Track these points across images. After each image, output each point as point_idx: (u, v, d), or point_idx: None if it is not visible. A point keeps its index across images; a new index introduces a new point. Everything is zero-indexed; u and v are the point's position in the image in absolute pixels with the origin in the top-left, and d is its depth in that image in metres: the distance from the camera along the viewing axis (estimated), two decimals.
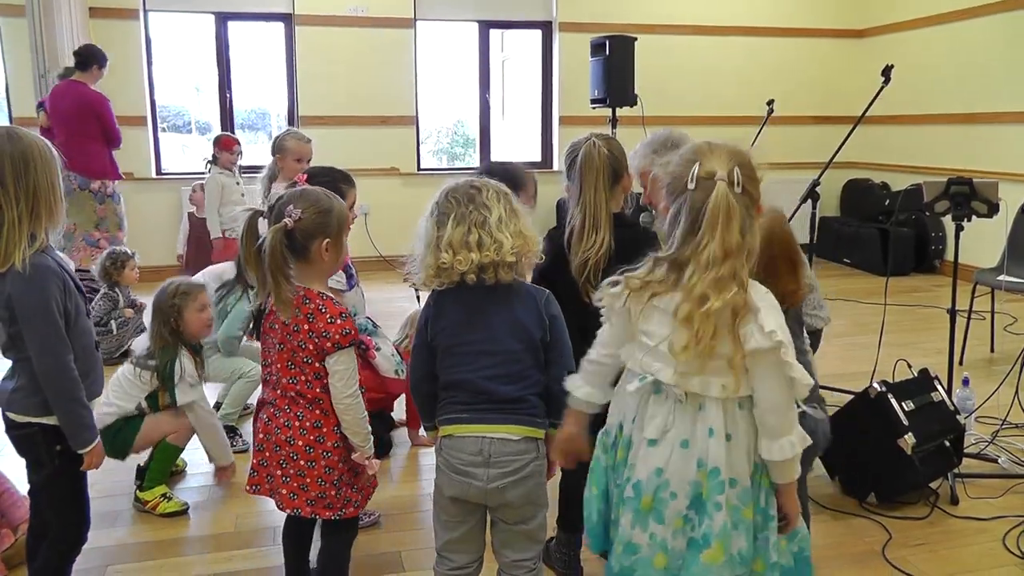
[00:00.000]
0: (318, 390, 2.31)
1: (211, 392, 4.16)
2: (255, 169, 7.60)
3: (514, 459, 2.12)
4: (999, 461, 3.68)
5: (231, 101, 8.45)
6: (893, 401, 3.29)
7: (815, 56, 9.36)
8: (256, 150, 8.55)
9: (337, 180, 3.13)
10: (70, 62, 6.68)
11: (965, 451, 3.54)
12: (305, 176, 2.95)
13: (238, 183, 6.60)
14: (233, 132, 8.28)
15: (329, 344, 2.26)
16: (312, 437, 2.31)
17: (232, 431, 4.03)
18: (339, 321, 2.27)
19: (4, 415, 2.31)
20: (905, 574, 2.86)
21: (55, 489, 2.36)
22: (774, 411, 1.85)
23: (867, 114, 4.53)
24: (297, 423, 2.31)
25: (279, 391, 2.36)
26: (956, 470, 3.44)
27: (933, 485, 3.40)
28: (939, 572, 2.88)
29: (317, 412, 2.32)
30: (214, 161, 6.58)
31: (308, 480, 2.33)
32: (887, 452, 3.25)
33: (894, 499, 3.33)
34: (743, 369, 1.81)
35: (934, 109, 8.26)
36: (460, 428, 2.14)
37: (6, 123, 7.67)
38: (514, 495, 2.13)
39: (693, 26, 8.97)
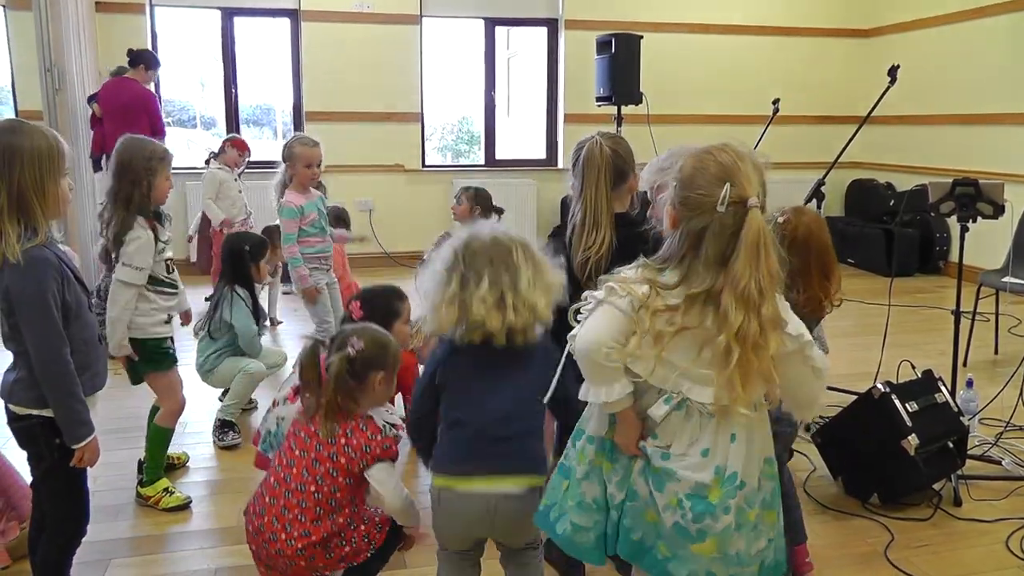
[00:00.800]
0: (328, 503, 2.34)
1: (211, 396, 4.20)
2: (259, 165, 7.65)
3: (521, 510, 2.11)
4: (1003, 463, 3.67)
5: (236, 96, 8.45)
6: (897, 402, 3.29)
7: (821, 55, 9.34)
8: (260, 146, 8.57)
9: (392, 298, 3.18)
10: (76, 57, 6.86)
11: (968, 453, 3.53)
12: (359, 303, 3.07)
13: (236, 180, 6.64)
14: (238, 127, 8.31)
15: (370, 457, 2.31)
16: (299, 545, 2.33)
17: (229, 425, 4.05)
18: (379, 437, 2.33)
19: (6, 407, 2.32)
20: (908, 575, 2.86)
21: (54, 482, 2.36)
22: (810, 404, 1.92)
23: (872, 114, 4.52)
24: (284, 535, 2.33)
25: (269, 498, 2.38)
26: (959, 472, 3.43)
27: (936, 486, 3.40)
28: (942, 574, 2.87)
29: (307, 522, 2.33)
30: (218, 154, 6.61)
31: (320, 564, 2.38)
32: (890, 453, 3.25)
33: (897, 500, 3.33)
34: (773, 376, 1.80)
35: (940, 109, 8.24)
36: (461, 483, 2.12)
37: (12, 116, 7.73)
38: (520, 532, 2.17)
39: (699, 25, 8.96)
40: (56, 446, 2.28)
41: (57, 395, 2.22)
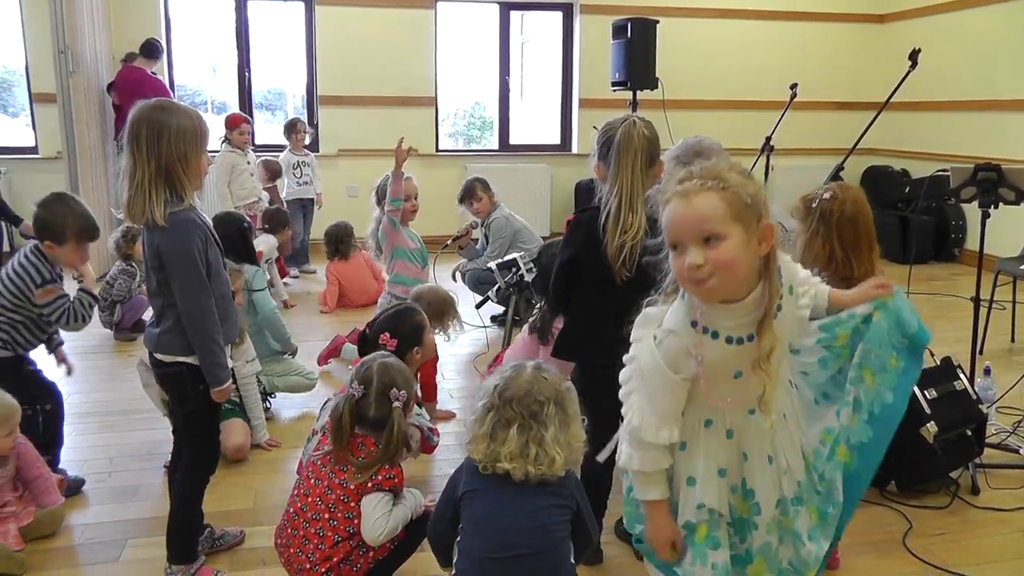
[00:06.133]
0: (345, 529, 2.37)
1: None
2: (271, 148, 7.67)
3: None
4: (1020, 451, 3.65)
5: (249, 81, 8.44)
6: (916, 389, 3.26)
7: (836, 41, 9.27)
8: (273, 130, 8.56)
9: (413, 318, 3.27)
10: (90, 39, 6.94)
11: (986, 441, 3.51)
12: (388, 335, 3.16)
13: (249, 162, 6.64)
14: (251, 112, 8.28)
15: (371, 484, 2.37)
16: (323, 569, 2.37)
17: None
18: (386, 467, 2.40)
19: (152, 356, 2.55)
20: (926, 563, 2.84)
21: (194, 423, 2.62)
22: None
23: (889, 100, 4.48)
24: (308, 564, 2.38)
25: (291, 529, 2.44)
26: (978, 460, 3.41)
27: (954, 474, 3.37)
28: (960, 562, 2.85)
29: (326, 548, 2.37)
30: (227, 140, 6.63)
31: (347, 573, 2.41)
32: (909, 440, 3.22)
33: (915, 488, 3.31)
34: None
35: (956, 96, 8.17)
36: None
37: (25, 98, 7.75)
38: None
39: (715, 9, 8.90)
40: (201, 392, 2.52)
41: (201, 341, 2.45)
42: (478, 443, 2.12)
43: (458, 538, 2.15)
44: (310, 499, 2.40)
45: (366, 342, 3.18)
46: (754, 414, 1.85)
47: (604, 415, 2.78)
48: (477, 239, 5.91)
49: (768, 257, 1.73)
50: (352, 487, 2.37)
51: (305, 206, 7.46)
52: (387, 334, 3.11)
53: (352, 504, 2.37)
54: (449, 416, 4.08)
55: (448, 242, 5.59)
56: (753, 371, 1.75)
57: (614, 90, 7.15)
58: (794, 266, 1.94)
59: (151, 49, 7.15)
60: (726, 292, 1.70)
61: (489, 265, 4.81)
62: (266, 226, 6.23)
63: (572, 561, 2.18)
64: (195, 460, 2.66)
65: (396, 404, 2.42)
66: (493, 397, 2.15)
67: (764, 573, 1.90)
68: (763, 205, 1.71)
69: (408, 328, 3.18)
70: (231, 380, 2.57)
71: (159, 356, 2.52)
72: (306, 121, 7.66)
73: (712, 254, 1.65)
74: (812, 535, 1.95)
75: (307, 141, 7.48)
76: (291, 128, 7.35)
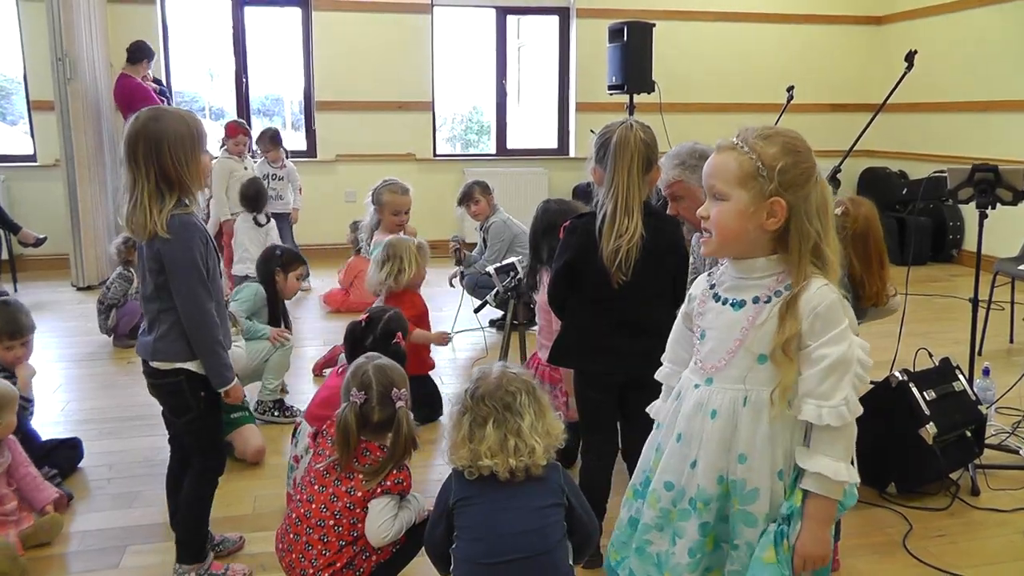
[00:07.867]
0: (349, 535, 2.37)
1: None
2: None
3: None
4: (1020, 452, 3.65)
5: (247, 86, 8.43)
6: (915, 390, 3.26)
7: (833, 43, 9.27)
8: None
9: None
10: (88, 46, 6.98)
11: (986, 442, 3.50)
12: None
13: (246, 168, 6.62)
14: (248, 118, 8.25)
15: (379, 489, 2.37)
16: (326, 574, 2.37)
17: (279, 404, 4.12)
18: (395, 471, 2.40)
19: (148, 365, 2.51)
20: (926, 565, 2.84)
21: (198, 431, 2.59)
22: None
23: (887, 101, 4.48)
24: (311, 569, 2.37)
25: (293, 535, 2.43)
26: (977, 461, 3.41)
27: (953, 476, 3.37)
28: (960, 563, 2.85)
29: (330, 554, 2.37)
30: (223, 144, 6.63)
31: None
32: (908, 442, 3.22)
33: (914, 489, 3.30)
34: None
35: (953, 97, 8.17)
36: None
37: (23, 106, 7.75)
38: None
39: (711, 12, 8.91)
40: (201, 398, 2.51)
41: (205, 344, 2.44)
42: (458, 448, 2.13)
43: (453, 545, 2.15)
44: (314, 505, 2.39)
45: (355, 341, 3.29)
46: (698, 387, 1.88)
47: (601, 422, 2.78)
48: (475, 243, 5.91)
49: (785, 234, 1.72)
50: (359, 495, 2.36)
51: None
52: (399, 334, 3.30)
53: (358, 511, 2.37)
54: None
55: (453, 270, 5.68)
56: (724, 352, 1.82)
57: (611, 94, 7.14)
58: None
59: (134, 53, 7.08)
60: (722, 252, 1.81)
61: (487, 269, 4.81)
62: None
63: (571, 563, 2.18)
64: (205, 465, 2.64)
65: (400, 404, 2.41)
66: (465, 400, 2.17)
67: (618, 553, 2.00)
68: (785, 181, 1.69)
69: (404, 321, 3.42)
70: (237, 380, 2.56)
71: (156, 364, 2.48)
72: (270, 135, 7.18)
73: (713, 212, 1.75)
74: (692, 551, 1.87)
75: (271, 153, 7.13)
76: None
